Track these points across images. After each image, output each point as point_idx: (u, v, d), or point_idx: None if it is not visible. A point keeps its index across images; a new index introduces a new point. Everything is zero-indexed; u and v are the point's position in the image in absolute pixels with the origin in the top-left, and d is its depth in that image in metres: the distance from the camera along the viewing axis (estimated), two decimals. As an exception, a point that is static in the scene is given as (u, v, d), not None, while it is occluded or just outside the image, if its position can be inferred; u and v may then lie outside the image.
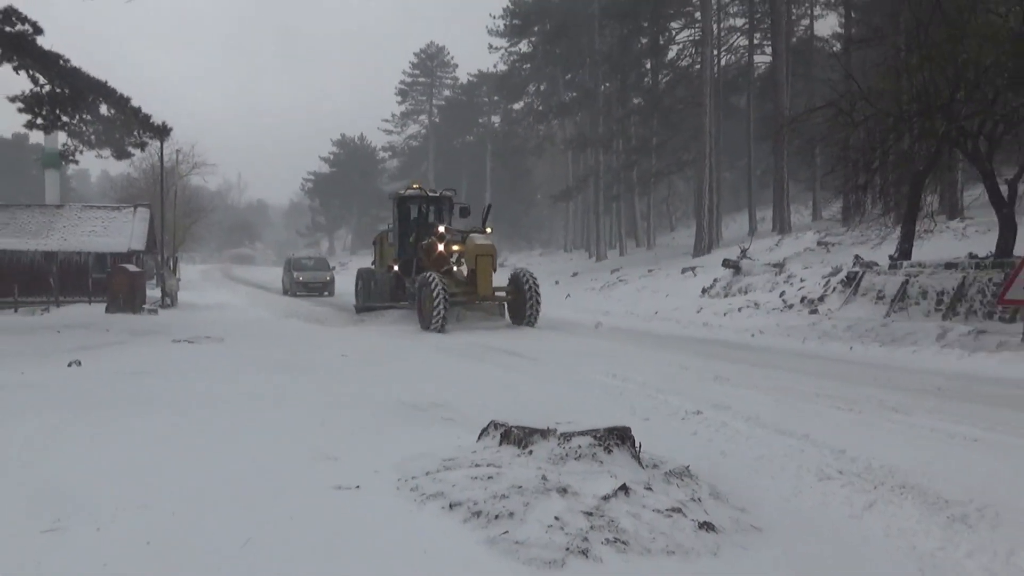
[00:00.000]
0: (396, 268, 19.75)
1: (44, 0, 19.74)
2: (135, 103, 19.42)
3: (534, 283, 17.43)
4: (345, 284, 34.31)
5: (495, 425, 5.39)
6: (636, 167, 45.14)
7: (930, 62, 15.26)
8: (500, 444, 5.18)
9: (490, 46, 56.74)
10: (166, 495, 4.71)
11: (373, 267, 22.22)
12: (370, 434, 6.28)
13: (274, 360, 11.82)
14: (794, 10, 40.59)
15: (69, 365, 10.81)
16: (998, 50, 14.42)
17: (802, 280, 19.19)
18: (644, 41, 43.66)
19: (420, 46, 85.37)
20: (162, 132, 21.32)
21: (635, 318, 20.14)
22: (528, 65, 55.84)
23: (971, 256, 15.50)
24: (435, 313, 15.90)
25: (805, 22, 43.89)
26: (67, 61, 18.25)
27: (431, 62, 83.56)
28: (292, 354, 12.77)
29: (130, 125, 19.46)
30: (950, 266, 14.77)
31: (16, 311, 24.44)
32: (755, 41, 41.47)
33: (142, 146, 21.67)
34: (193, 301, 30.90)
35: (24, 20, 17.62)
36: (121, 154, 20.49)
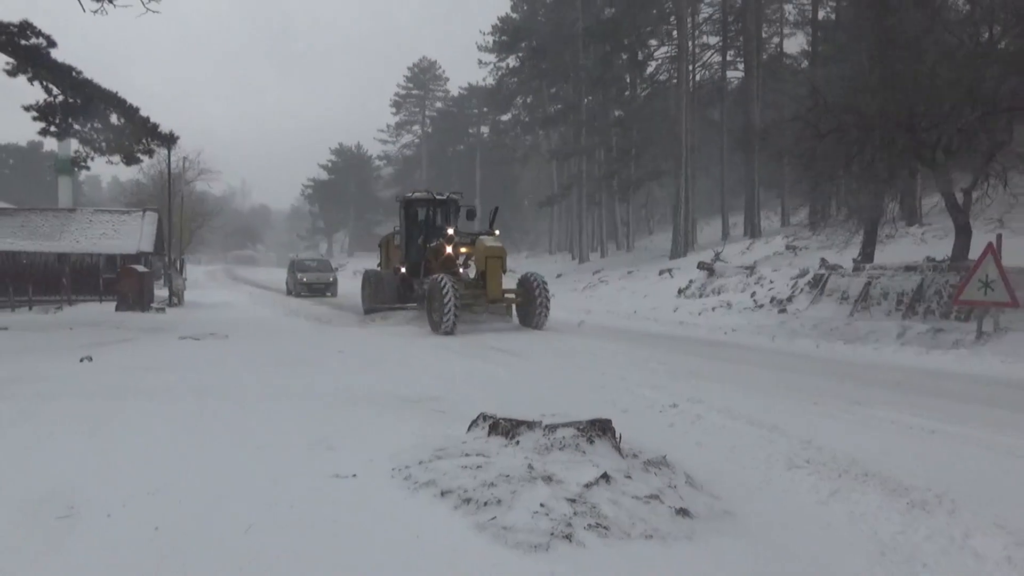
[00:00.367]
0: (403, 270, 18.91)
1: (58, 16, 19.59)
2: (144, 113, 19.34)
3: (544, 286, 16.53)
4: (346, 285, 34.15)
5: (484, 417, 5.38)
6: (617, 175, 45.21)
7: (891, 79, 15.34)
8: (489, 435, 5.17)
9: (480, 61, 57.03)
10: (173, 483, 4.69)
11: (379, 269, 21.24)
12: (366, 425, 6.27)
13: (276, 356, 11.77)
14: (764, 29, 40.78)
15: (81, 360, 10.73)
16: (954, 68, 14.52)
17: (772, 282, 19.26)
18: (624, 57, 43.77)
19: (413, 60, 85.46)
20: (169, 140, 21.22)
21: (615, 317, 20.15)
22: (515, 79, 55.96)
23: (929, 260, 15.59)
24: (446, 315, 14.95)
25: (775, 40, 44.13)
26: (79, 73, 18.15)
27: (424, 76, 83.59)
28: (293, 350, 12.72)
29: (139, 133, 19.35)
30: (909, 269, 14.85)
31: (31, 309, 24.30)
32: (728, 58, 41.61)
33: (150, 153, 21.52)
34: (199, 300, 30.74)
35: (39, 34, 17.52)
36: (130, 161, 20.35)
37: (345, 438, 5.80)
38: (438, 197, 19.23)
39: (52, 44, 17.71)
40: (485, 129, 74.15)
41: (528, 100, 58.18)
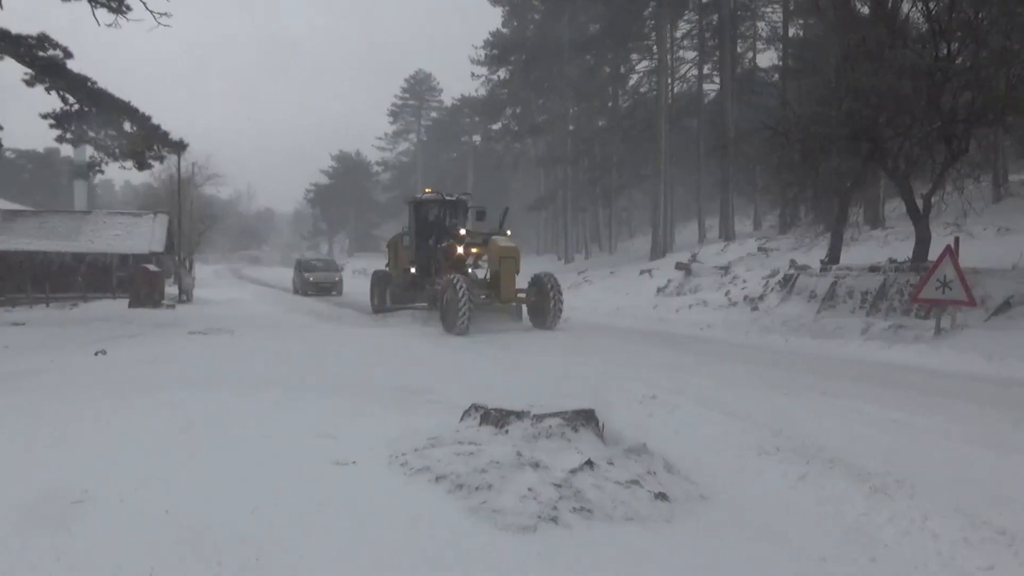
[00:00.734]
0: (413, 270, 17.98)
1: (75, 29, 19.47)
2: (155, 121, 19.27)
3: (557, 287, 15.60)
4: (347, 285, 33.91)
5: (476, 407, 5.38)
6: (600, 181, 45.30)
7: (855, 92, 15.39)
8: (480, 424, 5.18)
9: (472, 73, 57.02)
10: (182, 470, 4.68)
11: (387, 269, 20.37)
12: (365, 415, 6.25)
13: (280, 350, 11.75)
14: (739, 45, 40.87)
15: (95, 354, 10.69)
16: (914, 82, 14.59)
17: (745, 281, 19.31)
18: (607, 70, 43.81)
19: (410, 72, 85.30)
20: (179, 147, 21.15)
21: (599, 314, 20.16)
22: (506, 90, 55.91)
23: (891, 261, 15.65)
24: (461, 316, 14.00)
25: (749, 55, 44.18)
26: (94, 83, 18.07)
27: (419, 87, 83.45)
28: (297, 345, 12.68)
29: (150, 140, 19.28)
30: (873, 269, 14.90)
31: (48, 306, 24.16)
32: (704, 72, 41.68)
33: (161, 159, 21.48)
34: (207, 297, 30.63)
35: (56, 46, 17.44)
36: (142, 166, 20.26)
37: (345, 427, 5.79)
38: (448, 198, 18.51)
39: (69, 55, 17.63)
40: (477, 137, 73.92)
41: (517, 110, 58.12)
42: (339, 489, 4.35)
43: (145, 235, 30.96)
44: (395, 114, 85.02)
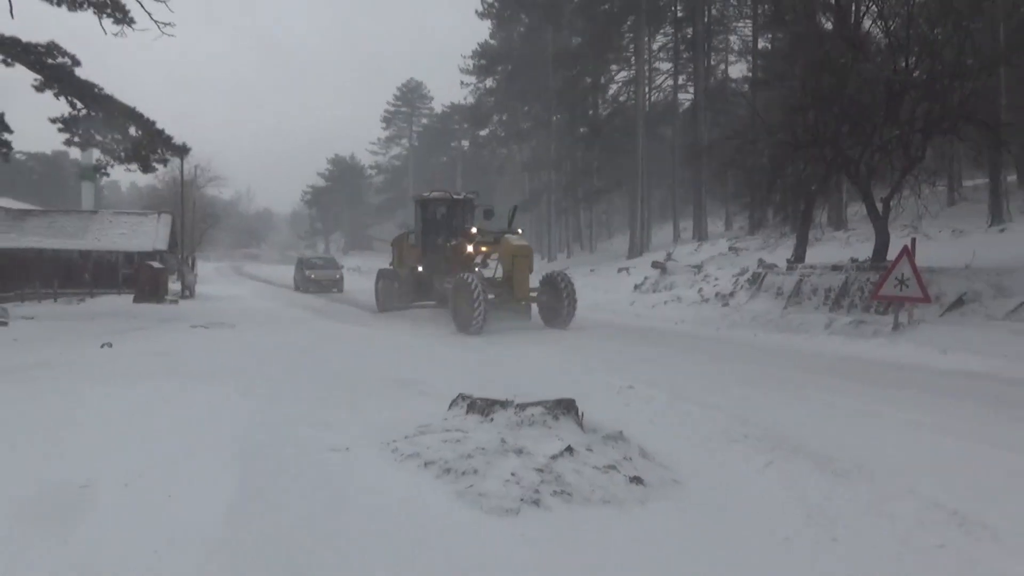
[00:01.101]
0: (420, 269, 16.88)
1: (82, 37, 19.24)
2: (159, 125, 19.10)
3: (570, 285, 14.66)
4: (346, 282, 33.48)
5: (462, 397, 5.39)
6: (581, 185, 45.30)
7: (820, 102, 15.48)
8: (467, 413, 5.18)
9: (461, 82, 57.04)
10: (184, 457, 4.66)
11: (391, 268, 19.23)
12: (358, 404, 6.24)
13: (278, 343, 11.69)
14: (712, 57, 40.99)
15: (102, 346, 10.59)
16: (874, 93, 14.69)
17: (716, 279, 19.36)
18: (588, 81, 43.81)
19: (402, 81, 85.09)
20: (182, 151, 20.95)
21: (580, 309, 20.10)
22: (493, 99, 56.01)
23: (853, 260, 15.74)
24: (475, 315, 13.07)
25: (721, 67, 44.34)
26: (101, 89, 17.88)
27: (411, 95, 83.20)
28: (294, 338, 12.62)
29: (154, 144, 19.08)
30: (836, 268, 14.98)
31: (56, 301, 23.90)
32: (679, 82, 41.73)
33: (165, 162, 21.23)
34: (208, 293, 30.42)
35: (64, 54, 17.24)
36: (147, 169, 20.02)
37: (340, 415, 5.78)
38: (455, 197, 17.52)
39: (76, 63, 17.44)
40: (466, 142, 73.77)
41: (504, 117, 58.13)
42: (334, 474, 4.34)
43: (149, 234, 30.74)
44: (388, 120, 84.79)
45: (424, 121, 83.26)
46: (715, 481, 4.39)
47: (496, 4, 53.87)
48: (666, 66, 43.16)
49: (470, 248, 15.03)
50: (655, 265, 23.33)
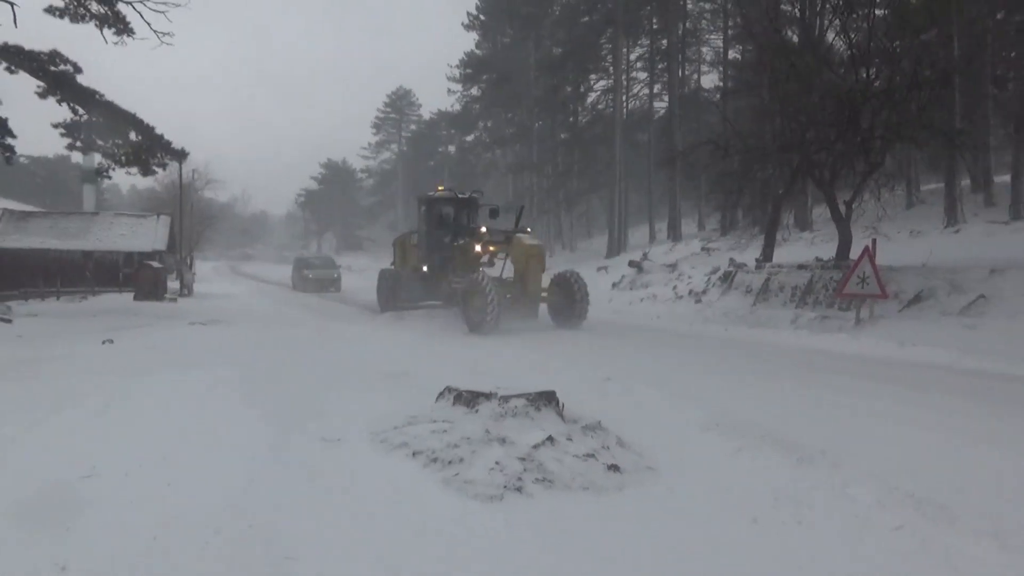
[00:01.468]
0: (425, 269, 15.86)
1: (85, 46, 19.01)
2: (159, 131, 18.93)
3: (583, 284, 13.85)
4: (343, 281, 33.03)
5: (449, 389, 5.37)
6: (562, 187, 45.38)
7: (787, 110, 15.59)
8: (453, 404, 5.16)
9: (448, 90, 57.10)
10: (182, 448, 4.62)
11: (393, 268, 18.07)
12: (350, 397, 6.21)
13: (274, 339, 11.61)
14: (685, 67, 41.15)
15: (103, 343, 10.47)
16: (837, 102, 14.80)
17: (690, 277, 19.42)
18: (569, 89, 43.88)
19: (391, 89, 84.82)
20: (180, 155, 20.75)
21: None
22: (478, 105, 55.94)
23: (818, 259, 15.86)
24: (489, 314, 12.23)
25: (694, 76, 44.54)
26: (102, 96, 17.68)
27: (400, 102, 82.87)
28: (289, 334, 12.55)
29: (154, 149, 18.89)
30: (802, 267, 15.09)
31: (58, 299, 23.64)
32: (654, 91, 41.87)
33: (164, 166, 21.01)
34: (206, 292, 30.19)
35: (66, 61, 17.03)
36: (146, 172, 19.81)
37: (332, 407, 5.75)
38: (460, 196, 16.48)
39: (78, 70, 17.25)
40: (452, 147, 73.55)
41: (489, 123, 58.12)
42: (326, 463, 4.33)
43: (149, 235, 30.44)
44: (378, 126, 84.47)
45: (413, 127, 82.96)
46: (688, 467, 4.41)
47: (481, 16, 53.87)
48: (643, 76, 43.32)
49: (478, 247, 14.25)
50: (632, 264, 23.38)
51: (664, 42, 38.49)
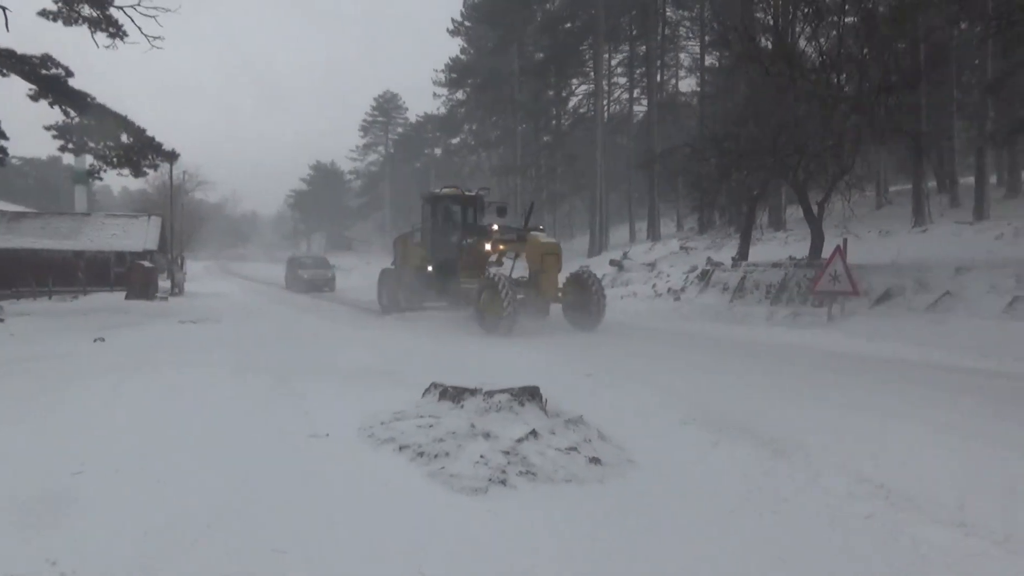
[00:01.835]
0: (430, 269, 14.87)
1: (77, 50, 18.74)
2: (150, 133, 18.72)
3: (599, 284, 12.95)
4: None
5: (435, 385, 5.35)
6: (545, 189, 45.38)
7: (761, 115, 15.68)
8: (439, 400, 5.15)
9: (434, 94, 57.11)
10: (173, 445, 4.57)
11: (393, 267, 17.09)
12: (337, 393, 6.17)
13: (263, 337, 11.52)
14: (663, 73, 41.29)
15: (94, 341, 10.34)
16: (809, 107, 14.91)
17: (668, 276, 19.50)
18: (551, 93, 43.92)
19: (379, 92, 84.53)
20: (171, 156, 20.53)
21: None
22: (463, 109, 55.88)
23: (791, 258, 15.98)
24: (504, 315, 11.45)
25: (672, 82, 44.68)
26: (93, 98, 17.46)
27: (387, 105, 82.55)
28: (279, 333, 12.46)
29: (145, 150, 18.68)
30: (776, 265, 15.19)
31: (50, 298, 23.32)
32: (634, 96, 42.05)
33: (155, 167, 20.79)
34: (197, 291, 29.91)
35: (58, 65, 16.79)
36: (138, 173, 19.58)
37: (320, 404, 5.71)
38: (467, 193, 15.59)
39: (70, 74, 17.01)
40: (438, 150, 73.38)
41: (474, 127, 58.05)
42: (314, 459, 4.30)
43: (140, 235, 30.16)
44: (365, 129, 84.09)
45: (399, 130, 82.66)
46: (667, 460, 4.42)
47: (466, 23, 53.79)
48: (623, 81, 43.49)
49: (488, 246, 13.41)
50: (612, 263, 23.45)
51: (643, 48, 38.61)
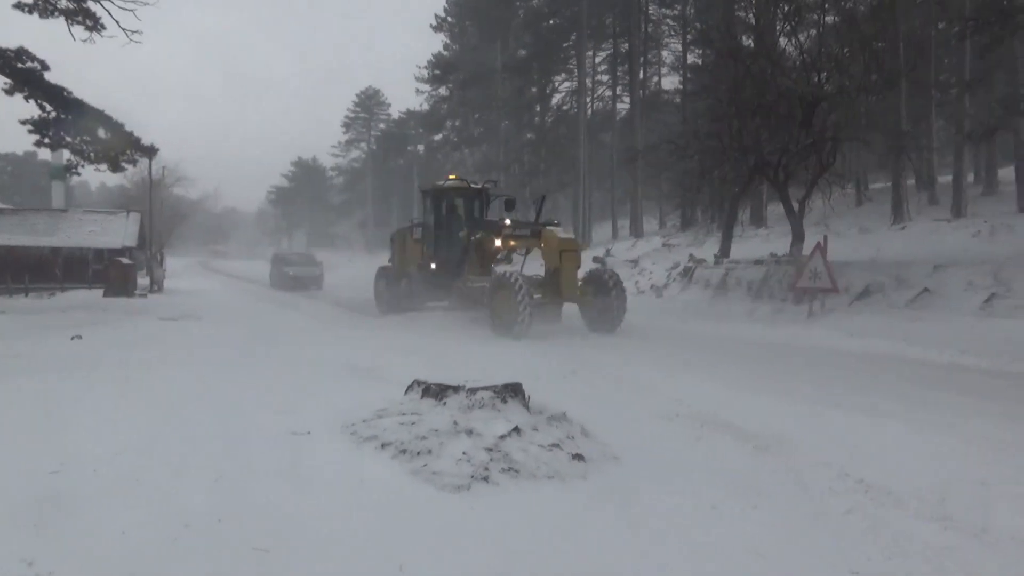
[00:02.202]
0: (433, 267, 13.92)
1: (54, 43, 18.45)
2: (128, 128, 18.49)
3: (620, 283, 12.00)
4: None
5: (417, 382, 5.32)
6: (528, 186, 45.36)
7: (743, 112, 15.76)
8: (421, 397, 5.12)
9: (417, 90, 56.95)
10: (153, 443, 4.50)
11: (390, 265, 15.99)
12: (318, 391, 6.12)
13: (243, 334, 11.42)
14: (646, 70, 41.40)
15: (72, 338, 10.19)
16: (790, 105, 15.01)
17: (651, 272, 19.59)
18: (534, 90, 43.90)
19: (361, 88, 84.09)
20: (150, 152, 20.31)
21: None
22: (446, 106, 55.70)
23: (772, 255, 16.10)
24: (520, 317, 10.63)
25: (654, 79, 44.83)
26: (70, 93, 17.19)
27: (370, 101, 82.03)
28: (259, 330, 12.35)
29: (123, 146, 18.43)
30: (757, 262, 15.30)
31: (27, 296, 22.95)
32: (617, 93, 42.11)
33: (134, 162, 20.60)
34: (177, 288, 29.59)
35: (33, 59, 16.51)
36: (116, 169, 19.31)
37: (301, 401, 5.66)
38: (473, 185, 14.52)
39: (46, 68, 16.73)
40: (421, 146, 73.11)
41: (456, 123, 57.86)
42: (296, 456, 4.26)
43: (119, 231, 29.70)
44: (348, 125, 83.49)
45: (382, 126, 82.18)
46: (649, 456, 4.43)
47: (449, 18, 53.63)
48: (606, 77, 43.53)
49: (498, 242, 12.54)
50: (596, 260, 23.45)
51: (626, 46, 38.68)
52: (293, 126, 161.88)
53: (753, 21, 17.74)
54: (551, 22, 41.04)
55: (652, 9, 38.54)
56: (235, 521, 3.30)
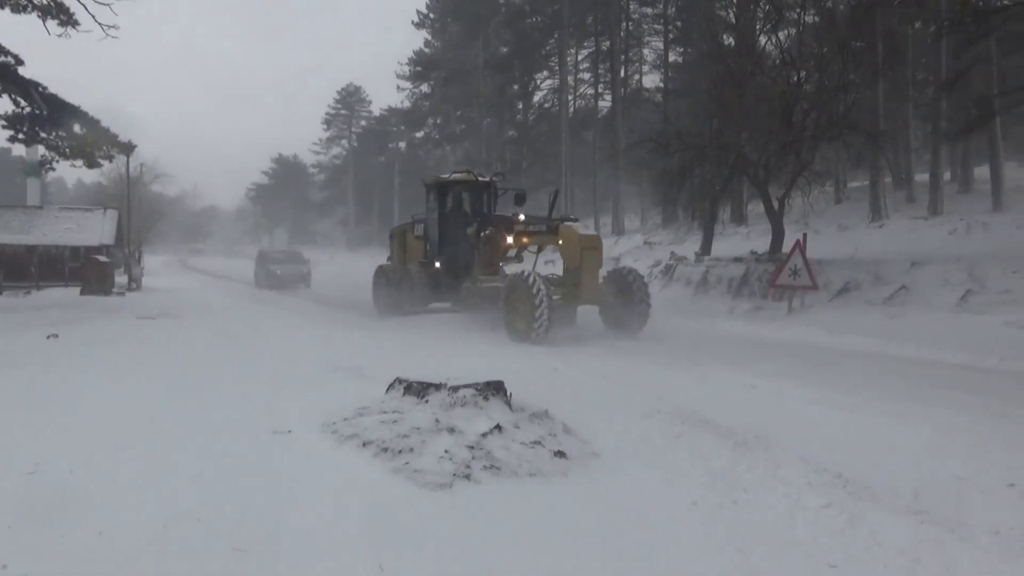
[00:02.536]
0: (438, 265, 13.12)
1: (29, 36, 18.15)
2: (104, 123, 18.25)
3: (643, 284, 11.26)
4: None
5: (399, 380, 5.31)
6: (509, 183, 45.42)
7: (723, 111, 15.85)
8: (403, 395, 5.10)
9: (398, 87, 56.51)
10: (131, 443, 4.45)
11: (390, 263, 15.18)
12: (299, 389, 6.07)
13: (222, 332, 11.29)
14: (627, 68, 41.54)
15: (48, 337, 10.02)
16: (770, 104, 15.13)
17: (632, 270, 19.58)
18: (516, 88, 43.90)
19: (342, 85, 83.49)
20: (127, 148, 20.09)
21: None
22: (428, 103, 55.59)
23: (752, 253, 16.20)
24: (538, 320, 9.81)
25: (636, 77, 44.97)
26: (44, 88, 16.94)
27: (351, 98, 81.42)
28: (238, 328, 12.22)
29: (99, 141, 18.20)
30: (737, 260, 15.39)
31: (1, 294, 22.61)
32: (599, 91, 42.18)
33: (110, 158, 20.31)
34: (155, 286, 29.26)
35: (7, 53, 16.26)
36: (92, 165, 19.05)
37: (281, 399, 5.63)
38: (480, 179, 13.70)
39: (20, 62, 16.48)
40: (403, 144, 72.84)
41: (438, 120, 57.75)
42: (276, 455, 4.23)
43: (96, 229, 29.29)
44: (329, 122, 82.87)
45: (363, 123, 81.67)
46: (630, 453, 4.45)
47: (431, 15, 53.45)
48: (588, 75, 43.60)
49: (510, 239, 11.71)
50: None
51: (607, 44, 38.77)
52: (273, 123, 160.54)
53: (733, 20, 17.84)
54: (533, 20, 41.07)
55: (633, 7, 38.64)
56: (214, 521, 3.27)
